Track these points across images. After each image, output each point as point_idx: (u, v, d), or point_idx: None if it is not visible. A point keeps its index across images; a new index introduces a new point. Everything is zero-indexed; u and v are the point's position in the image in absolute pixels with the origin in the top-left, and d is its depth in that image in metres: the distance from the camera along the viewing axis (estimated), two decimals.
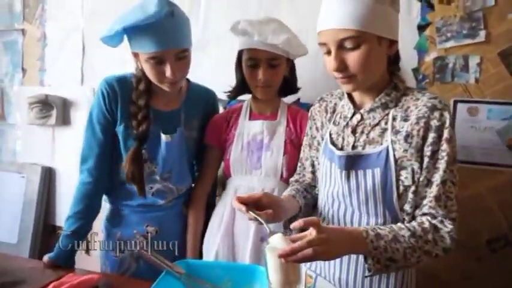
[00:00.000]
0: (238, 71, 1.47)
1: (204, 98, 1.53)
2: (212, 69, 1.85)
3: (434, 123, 0.99)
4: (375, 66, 1.00)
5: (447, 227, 0.98)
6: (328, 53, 1.00)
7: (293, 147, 1.43)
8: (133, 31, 1.24)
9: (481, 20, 1.49)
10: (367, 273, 0.95)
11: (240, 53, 1.44)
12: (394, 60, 1.08)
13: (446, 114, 0.99)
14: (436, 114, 0.99)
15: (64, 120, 2.19)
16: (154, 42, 1.22)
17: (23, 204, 2.19)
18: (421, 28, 1.56)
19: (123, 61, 1.93)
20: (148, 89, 1.39)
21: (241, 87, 1.49)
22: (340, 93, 1.20)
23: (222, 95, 1.58)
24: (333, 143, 1.12)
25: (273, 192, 1.39)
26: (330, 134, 1.14)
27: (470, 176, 1.53)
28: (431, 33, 1.56)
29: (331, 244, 0.86)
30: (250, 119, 1.49)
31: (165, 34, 1.23)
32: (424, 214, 1.00)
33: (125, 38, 1.32)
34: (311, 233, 0.86)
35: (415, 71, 1.59)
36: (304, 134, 1.38)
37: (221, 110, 1.78)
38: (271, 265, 0.88)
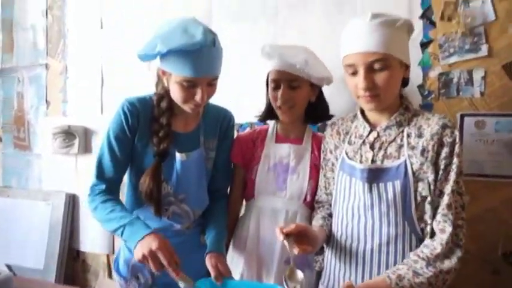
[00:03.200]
0: (267, 94, 1.52)
1: (221, 118, 1.55)
2: (226, 93, 1.90)
3: (446, 139, 1.11)
4: (395, 86, 1.15)
5: (458, 236, 1.08)
6: (354, 73, 1.12)
7: (317, 173, 1.46)
8: (173, 52, 1.25)
9: (482, 34, 1.53)
10: None
11: (267, 76, 1.49)
12: (404, 83, 1.21)
13: (456, 132, 1.12)
14: (448, 131, 1.11)
15: (86, 148, 2.32)
16: (193, 67, 1.25)
17: (48, 231, 2.31)
18: (424, 45, 1.61)
19: (140, 90, 2.05)
20: (170, 107, 1.41)
21: (268, 110, 1.53)
22: (351, 116, 1.31)
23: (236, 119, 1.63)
24: (349, 160, 1.22)
25: (295, 215, 1.44)
26: (346, 153, 1.24)
27: (482, 189, 1.54)
28: (434, 50, 1.60)
29: None
30: (276, 141, 1.53)
31: (205, 62, 1.26)
32: (436, 222, 1.09)
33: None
34: None
35: (421, 87, 1.63)
36: None
37: (234, 133, 1.83)
38: None
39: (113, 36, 2.27)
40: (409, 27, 1.15)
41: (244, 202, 1.60)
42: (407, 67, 1.16)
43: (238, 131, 1.91)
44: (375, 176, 1.15)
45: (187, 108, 1.36)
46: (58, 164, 2.39)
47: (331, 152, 1.33)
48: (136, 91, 2.04)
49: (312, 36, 1.81)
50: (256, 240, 1.47)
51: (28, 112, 2.50)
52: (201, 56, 1.24)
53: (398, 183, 1.12)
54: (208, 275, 1.30)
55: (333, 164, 1.32)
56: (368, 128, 1.21)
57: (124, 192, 1.52)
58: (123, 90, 2.13)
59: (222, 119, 1.55)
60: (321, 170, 1.40)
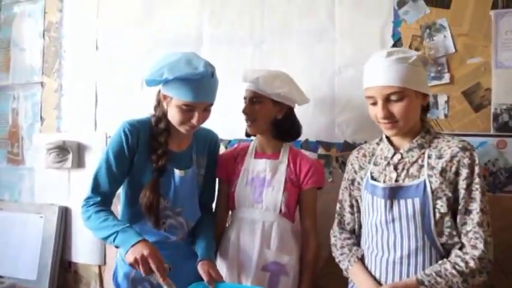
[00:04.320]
0: None
1: (208, 138, 1.66)
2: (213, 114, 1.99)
3: (466, 161, 1.20)
4: (413, 114, 1.23)
5: (489, 252, 1.16)
6: (374, 104, 1.24)
7: (292, 185, 1.55)
8: (178, 81, 1.37)
9: (444, 64, 1.71)
10: None
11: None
12: (425, 109, 1.32)
13: (475, 154, 1.22)
14: (467, 153, 1.21)
15: (79, 163, 2.37)
16: (194, 94, 1.37)
17: (41, 243, 2.35)
18: None
19: (132, 108, 2.16)
20: (167, 128, 1.50)
21: None
22: (377, 140, 1.41)
23: (222, 135, 1.76)
24: (374, 180, 1.31)
25: (272, 225, 1.52)
26: (371, 173, 1.33)
27: None
28: None
29: None
30: (255, 157, 1.62)
31: (204, 90, 1.40)
32: (468, 239, 1.17)
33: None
34: None
35: None
36: (303, 174, 1.55)
37: (222, 148, 1.95)
38: None
39: (108, 58, 2.36)
40: (423, 61, 1.26)
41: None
42: (425, 96, 1.26)
43: (226, 147, 2.01)
44: (395, 193, 1.23)
45: (182, 129, 1.47)
46: (51, 178, 2.43)
47: (355, 172, 1.40)
48: (128, 108, 2.23)
49: (293, 62, 1.94)
50: (236, 248, 1.56)
51: (22, 128, 2.56)
52: (201, 84, 1.38)
53: (417, 201, 1.19)
54: (201, 280, 1.40)
55: (359, 183, 1.39)
56: (392, 151, 1.30)
57: (119, 209, 1.58)
58: (116, 108, 2.32)
59: (210, 140, 1.66)
60: (344, 190, 1.45)
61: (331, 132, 1.89)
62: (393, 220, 1.24)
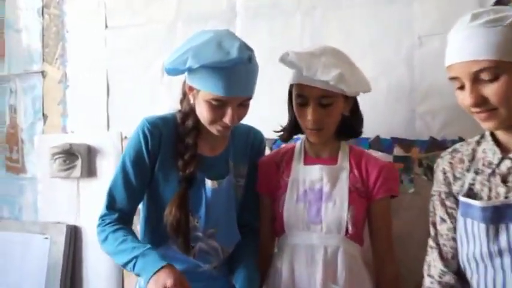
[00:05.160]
0: (290, 108, 1.58)
1: (250, 139, 1.65)
2: (252, 106, 1.95)
3: None
4: None
5: None
6: (461, 88, 1.14)
7: (359, 197, 1.50)
8: (205, 69, 1.35)
9: None
10: None
11: (290, 88, 1.55)
12: None
13: None
14: None
15: (90, 171, 2.38)
16: (225, 86, 1.35)
17: (47, 269, 2.37)
18: None
19: (152, 101, 2.18)
20: (196, 127, 1.50)
21: (294, 126, 1.58)
22: (477, 138, 1.31)
23: (266, 134, 1.69)
24: (473, 195, 1.21)
25: (336, 251, 1.47)
26: (470, 185, 1.24)
27: None
28: None
29: None
30: (305, 163, 1.57)
31: (238, 81, 1.37)
32: None
33: None
34: None
35: None
36: (372, 180, 1.50)
37: (267, 151, 1.87)
38: None
39: (120, 38, 2.35)
40: None
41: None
42: None
43: (271, 148, 1.95)
44: (502, 215, 1.14)
45: (213, 129, 1.45)
46: (57, 190, 2.44)
47: (450, 184, 1.32)
48: (146, 102, 2.22)
49: (357, 34, 1.87)
50: (290, 283, 1.51)
51: (22, 128, 2.59)
52: (234, 73, 1.34)
53: None
54: None
55: (456, 199, 1.30)
56: (499, 155, 1.20)
57: (138, 230, 1.61)
58: (134, 102, 2.29)
59: (252, 141, 1.65)
60: (438, 208, 1.36)
61: (412, 125, 1.81)
62: (501, 253, 1.13)
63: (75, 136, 2.42)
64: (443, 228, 1.33)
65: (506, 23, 1.09)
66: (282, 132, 1.63)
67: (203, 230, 1.51)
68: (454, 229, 1.30)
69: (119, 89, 2.35)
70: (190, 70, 1.38)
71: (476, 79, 1.11)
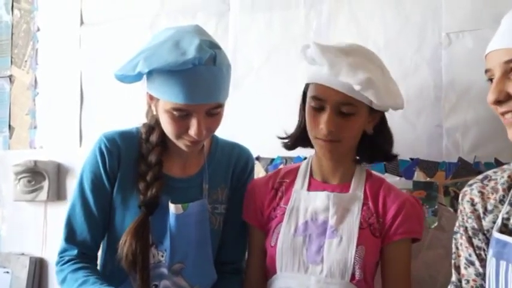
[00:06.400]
0: (301, 111, 1.57)
1: (233, 158, 1.65)
2: (244, 114, 1.96)
3: None
4: None
5: None
6: (492, 81, 1.17)
7: (372, 235, 1.48)
8: (160, 73, 1.36)
9: None
10: None
11: (305, 88, 1.53)
12: None
13: None
14: None
15: (58, 193, 2.37)
16: (185, 92, 1.35)
17: None
18: None
19: (133, 113, 2.09)
20: (163, 142, 1.51)
21: (301, 134, 1.56)
22: None
23: (260, 152, 1.70)
24: (507, 232, 1.19)
25: None
26: (504, 219, 1.22)
27: None
28: None
29: None
30: (309, 188, 1.55)
31: (201, 85, 1.36)
32: None
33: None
34: None
35: None
36: (389, 217, 1.48)
37: (261, 172, 1.90)
38: None
39: (98, 36, 2.36)
40: None
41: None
42: None
43: (267, 170, 1.95)
44: None
45: (181, 145, 1.45)
46: (21, 215, 2.45)
47: (479, 219, 1.30)
48: (126, 113, 2.17)
49: (370, 30, 1.86)
50: None
51: None
52: (195, 77, 1.34)
53: None
54: None
55: (487, 238, 1.28)
56: None
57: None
58: (110, 114, 2.27)
59: (236, 160, 1.65)
60: (463, 248, 1.33)
61: (437, 144, 1.79)
62: None
63: (43, 152, 2.42)
64: (470, 273, 1.30)
65: None
66: (286, 140, 1.61)
67: (167, 265, 1.50)
68: (484, 275, 1.27)
69: (94, 96, 2.35)
70: (141, 76, 1.39)
71: (507, 71, 1.11)
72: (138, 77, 1.40)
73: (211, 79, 1.37)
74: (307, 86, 1.52)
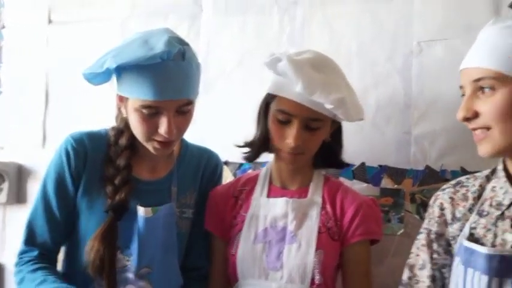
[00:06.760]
0: (262, 120, 1.55)
1: (203, 163, 1.65)
2: (213, 119, 1.96)
3: None
4: None
5: None
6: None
7: (330, 239, 1.50)
8: (128, 70, 1.36)
9: None
10: None
11: (269, 98, 1.52)
12: None
13: None
14: None
15: (19, 196, 2.33)
16: (153, 88, 1.34)
17: None
18: None
19: (100, 114, 2.08)
20: (132, 145, 1.51)
21: (264, 143, 1.55)
22: (487, 173, 1.33)
23: (228, 156, 1.71)
24: (473, 241, 1.22)
25: None
26: (472, 228, 1.25)
27: None
28: None
29: None
30: (269, 195, 1.57)
31: (170, 80, 1.36)
32: None
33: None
34: None
35: None
36: (347, 219, 1.50)
37: (229, 177, 1.90)
38: None
39: (66, 36, 2.32)
40: None
41: None
42: None
43: (235, 175, 1.95)
44: (510, 267, 1.14)
45: (151, 148, 1.45)
46: None
47: (446, 225, 1.34)
48: (93, 114, 2.15)
49: (344, 37, 1.87)
50: None
51: None
52: (163, 72, 1.34)
53: None
54: None
55: (449, 244, 1.33)
56: (510, 194, 1.22)
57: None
58: (75, 114, 2.24)
59: (205, 165, 1.66)
60: (422, 250, 1.37)
61: (405, 152, 1.81)
62: None
63: (4, 153, 2.38)
64: (422, 275, 1.35)
65: None
66: (247, 149, 1.60)
67: (134, 270, 1.48)
68: (434, 279, 1.33)
69: (59, 97, 2.32)
70: (109, 75, 1.40)
71: (476, 90, 1.17)
72: (106, 76, 1.41)
73: (180, 74, 1.38)
74: (271, 96, 1.51)
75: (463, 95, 1.22)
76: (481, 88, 1.16)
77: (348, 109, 1.41)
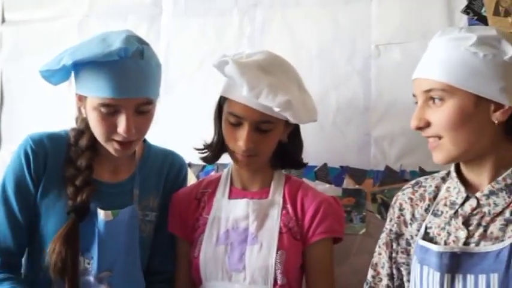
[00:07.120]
0: (217, 123, 1.56)
1: (166, 165, 1.64)
2: (175, 120, 1.95)
3: None
4: (467, 130, 1.17)
5: None
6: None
7: (292, 239, 1.49)
8: (86, 68, 1.36)
9: None
10: None
11: (222, 100, 1.53)
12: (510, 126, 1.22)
13: None
14: None
15: None
16: (111, 86, 1.34)
17: None
18: None
19: (57, 115, 2.10)
20: (93, 146, 1.49)
21: (221, 145, 1.56)
22: (443, 174, 1.36)
23: (192, 158, 1.69)
24: (428, 240, 1.25)
25: None
26: (426, 228, 1.28)
27: None
28: None
29: None
30: (230, 197, 1.57)
31: (128, 78, 1.36)
32: None
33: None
34: None
35: None
36: (308, 218, 1.51)
37: (192, 179, 1.89)
38: None
39: (20, 35, 2.30)
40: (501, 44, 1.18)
41: None
42: (498, 105, 1.15)
43: (198, 176, 1.96)
44: (460, 263, 1.17)
45: (111, 149, 1.44)
46: None
47: (405, 225, 1.37)
48: (50, 115, 2.14)
49: (304, 39, 1.87)
50: None
51: None
52: (122, 70, 1.34)
53: (495, 278, 1.13)
54: None
55: (408, 243, 1.36)
56: (464, 194, 1.24)
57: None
58: (32, 115, 2.22)
59: (169, 167, 1.65)
60: (382, 249, 1.40)
61: (365, 153, 1.83)
62: None
63: None
64: (383, 273, 1.39)
65: (469, 44, 1.15)
66: (206, 152, 1.61)
67: (95, 274, 1.48)
68: (392, 277, 1.37)
69: (15, 97, 2.29)
70: (67, 73, 1.41)
71: (427, 99, 1.20)
72: (64, 74, 1.42)
73: (139, 73, 1.38)
74: (223, 99, 1.52)
75: (416, 102, 1.25)
76: (432, 98, 1.20)
77: (297, 111, 1.41)
